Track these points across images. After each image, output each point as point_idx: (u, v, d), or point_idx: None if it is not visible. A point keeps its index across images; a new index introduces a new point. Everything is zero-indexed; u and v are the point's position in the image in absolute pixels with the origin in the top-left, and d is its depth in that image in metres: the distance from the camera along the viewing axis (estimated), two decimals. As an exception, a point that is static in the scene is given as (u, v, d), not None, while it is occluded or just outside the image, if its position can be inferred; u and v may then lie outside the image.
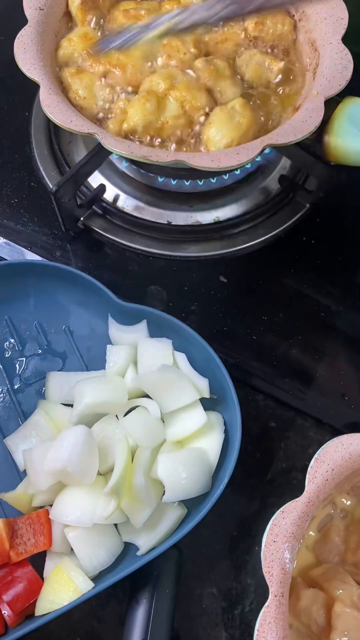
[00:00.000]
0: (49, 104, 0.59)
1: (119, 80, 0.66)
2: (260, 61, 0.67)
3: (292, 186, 0.75)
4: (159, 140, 0.64)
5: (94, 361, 0.64)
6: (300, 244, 0.73)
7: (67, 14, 0.70)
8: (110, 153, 0.66)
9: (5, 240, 0.72)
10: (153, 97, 0.62)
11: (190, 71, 0.65)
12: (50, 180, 0.75)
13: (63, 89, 0.65)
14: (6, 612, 0.49)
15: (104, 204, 0.74)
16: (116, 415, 0.57)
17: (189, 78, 0.65)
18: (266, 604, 0.42)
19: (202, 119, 0.64)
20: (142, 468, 0.53)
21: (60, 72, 0.66)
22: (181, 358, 0.59)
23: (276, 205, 0.75)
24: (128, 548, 0.53)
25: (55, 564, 0.52)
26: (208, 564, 0.57)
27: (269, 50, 0.70)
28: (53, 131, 0.79)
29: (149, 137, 0.63)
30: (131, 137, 0.64)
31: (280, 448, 0.62)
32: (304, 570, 0.50)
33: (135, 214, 0.74)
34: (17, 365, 0.64)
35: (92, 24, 0.70)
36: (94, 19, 0.70)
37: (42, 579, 0.52)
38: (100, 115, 0.65)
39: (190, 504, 0.54)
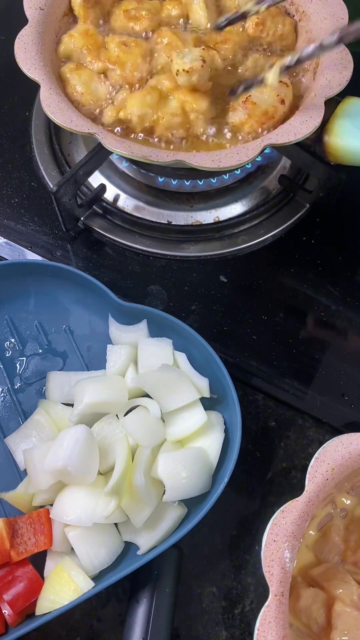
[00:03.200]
0: (50, 104, 0.59)
1: (118, 78, 0.66)
2: (265, 65, 0.67)
3: (292, 186, 0.75)
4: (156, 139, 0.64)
5: (95, 361, 0.64)
6: (300, 244, 0.73)
7: (68, 14, 0.71)
8: (110, 153, 0.66)
9: (5, 240, 0.72)
10: (155, 92, 0.63)
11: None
12: (50, 180, 0.75)
13: (62, 84, 0.65)
14: (7, 611, 0.49)
15: (104, 204, 0.74)
16: (116, 415, 0.57)
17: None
18: (266, 604, 0.42)
19: (210, 130, 0.64)
20: (142, 467, 0.53)
21: (60, 67, 0.66)
22: (181, 358, 0.60)
23: (276, 205, 0.75)
24: (128, 547, 0.53)
25: (55, 564, 0.52)
26: (208, 563, 0.57)
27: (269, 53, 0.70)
28: (53, 131, 0.79)
29: (142, 134, 0.64)
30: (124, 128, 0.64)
31: (280, 447, 0.62)
32: (304, 569, 0.50)
33: (135, 213, 0.74)
34: (17, 365, 0.64)
35: (94, 22, 0.70)
36: (96, 16, 0.70)
37: (43, 578, 0.52)
38: (97, 111, 0.65)
39: (191, 504, 0.54)
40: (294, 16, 0.72)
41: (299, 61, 0.60)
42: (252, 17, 0.70)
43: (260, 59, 0.68)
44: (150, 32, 0.70)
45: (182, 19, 0.71)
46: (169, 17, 0.71)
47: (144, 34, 0.70)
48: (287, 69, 0.61)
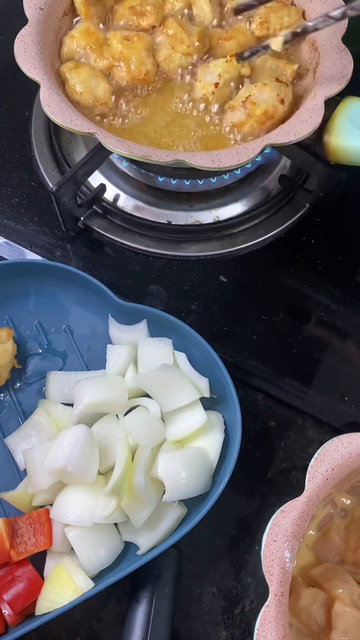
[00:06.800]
0: (49, 103, 0.59)
1: (124, 75, 0.66)
2: (273, 65, 0.67)
3: (292, 186, 0.75)
4: None
5: (95, 361, 0.64)
6: (300, 243, 0.73)
7: (67, 14, 0.70)
8: (110, 153, 0.66)
9: (5, 240, 0.72)
10: None
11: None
12: (50, 180, 0.75)
13: (61, 83, 0.65)
14: (6, 611, 0.49)
15: (104, 204, 0.74)
16: (116, 415, 0.57)
17: None
18: (266, 603, 0.42)
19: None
20: (142, 467, 0.53)
21: (59, 67, 0.66)
22: (181, 357, 0.59)
23: (276, 205, 0.75)
24: (128, 547, 0.53)
25: (55, 564, 0.52)
26: (208, 564, 0.57)
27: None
28: (53, 131, 0.79)
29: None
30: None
31: (280, 447, 0.62)
32: (304, 569, 0.50)
33: (135, 213, 0.74)
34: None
35: (96, 19, 0.70)
36: (97, 13, 0.70)
37: (43, 578, 0.52)
38: (97, 111, 0.65)
39: (190, 504, 0.54)
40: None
41: (304, 30, 0.61)
42: (255, 17, 0.70)
43: (269, 59, 0.68)
44: (156, 27, 0.69)
45: (186, 10, 0.71)
46: (173, 12, 0.71)
47: (149, 30, 0.69)
48: (293, 37, 0.62)
